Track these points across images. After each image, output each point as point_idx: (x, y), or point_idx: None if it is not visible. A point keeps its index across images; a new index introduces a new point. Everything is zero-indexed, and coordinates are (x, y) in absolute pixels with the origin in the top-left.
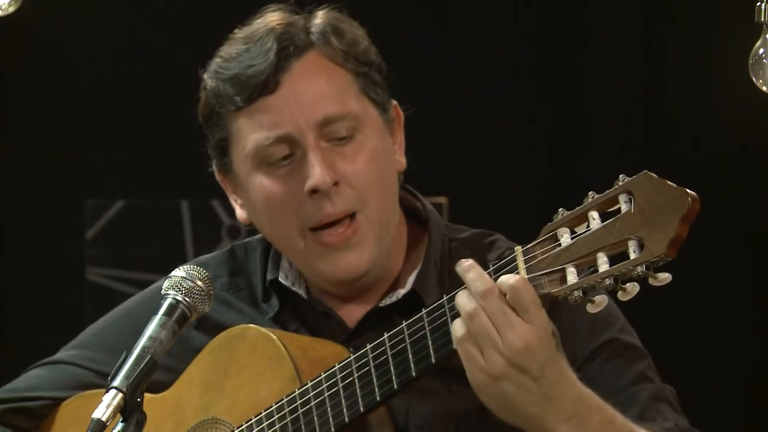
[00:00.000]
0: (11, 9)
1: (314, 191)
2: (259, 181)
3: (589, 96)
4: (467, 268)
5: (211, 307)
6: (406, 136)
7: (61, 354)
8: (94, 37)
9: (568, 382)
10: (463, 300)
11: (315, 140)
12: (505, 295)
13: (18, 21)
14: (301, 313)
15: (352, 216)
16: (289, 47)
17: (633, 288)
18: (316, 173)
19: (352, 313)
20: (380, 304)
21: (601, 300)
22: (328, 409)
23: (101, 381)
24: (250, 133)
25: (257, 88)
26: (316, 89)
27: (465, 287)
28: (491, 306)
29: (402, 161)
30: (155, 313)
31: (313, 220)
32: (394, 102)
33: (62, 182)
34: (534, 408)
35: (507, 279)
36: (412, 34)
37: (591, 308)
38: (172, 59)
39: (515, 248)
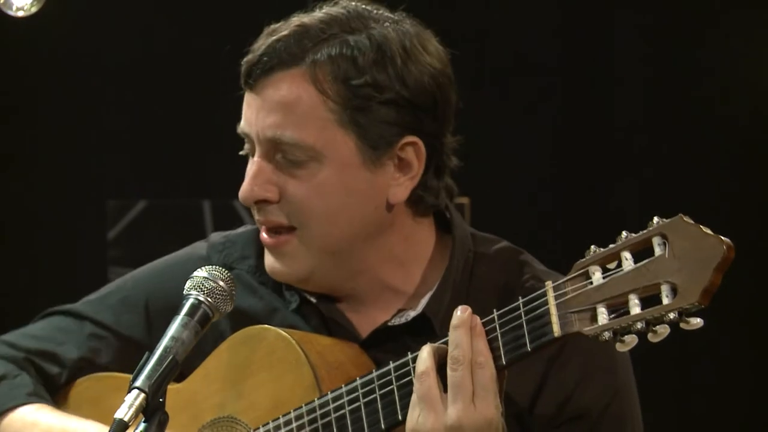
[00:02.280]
0: (33, 9)
1: (242, 201)
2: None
3: (611, 99)
4: (458, 324)
5: (237, 292)
6: None
7: (84, 307)
8: (118, 37)
9: None
10: (421, 357)
11: (264, 152)
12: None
13: (40, 20)
14: (319, 312)
15: (290, 228)
16: (271, 56)
17: (664, 330)
18: (243, 186)
19: (362, 324)
20: (389, 323)
21: (631, 339)
22: (349, 423)
23: (123, 346)
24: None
25: (244, 75)
26: (280, 106)
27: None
28: (458, 375)
29: (401, 194)
30: (183, 287)
31: (255, 216)
32: (412, 139)
33: (85, 183)
34: None
35: (481, 353)
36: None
37: (620, 347)
38: (196, 61)
39: (546, 283)
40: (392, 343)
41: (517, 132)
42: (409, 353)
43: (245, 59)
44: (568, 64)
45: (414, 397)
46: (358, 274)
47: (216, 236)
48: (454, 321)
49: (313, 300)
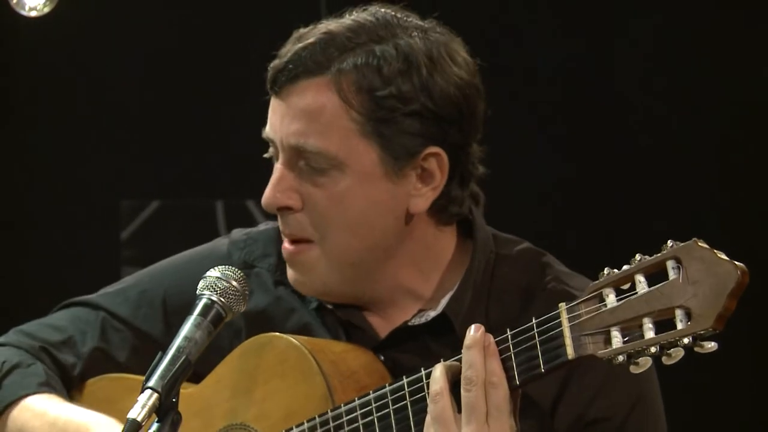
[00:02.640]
0: (46, 9)
1: (265, 207)
2: None
3: (620, 101)
4: (471, 344)
5: (256, 294)
6: None
7: (103, 299)
8: (133, 36)
9: None
10: (434, 376)
11: (288, 159)
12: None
13: (53, 21)
14: (337, 314)
15: (304, 241)
16: (300, 62)
17: (678, 353)
18: (266, 192)
19: (380, 325)
20: (409, 323)
21: (645, 362)
22: None
23: (139, 342)
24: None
25: (269, 82)
26: (303, 114)
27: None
28: (472, 396)
29: (422, 204)
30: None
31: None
32: (435, 150)
33: (98, 183)
34: None
35: (495, 374)
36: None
37: (634, 369)
38: (211, 61)
39: (559, 305)
40: (412, 343)
41: (528, 134)
42: (422, 369)
43: (272, 65)
44: (578, 66)
45: (428, 418)
46: (377, 282)
47: (237, 233)
48: (467, 341)
49: (329, 306)
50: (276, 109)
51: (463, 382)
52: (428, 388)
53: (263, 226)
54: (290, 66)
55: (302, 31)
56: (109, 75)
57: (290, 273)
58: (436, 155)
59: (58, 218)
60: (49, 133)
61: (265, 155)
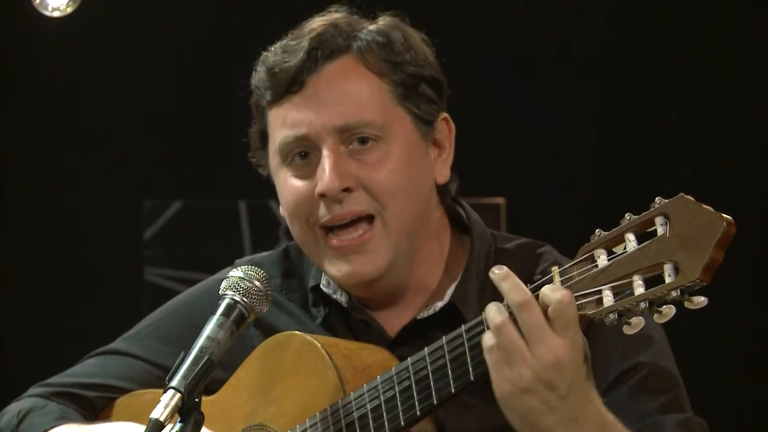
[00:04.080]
0: (69, 10)
1: (323, 195)
2: (283, 177)
3: (644, 98)
4: (502, 276)
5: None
6: (465, 138)
7: (118, 344)
8: (156, 35)
9: (595, 407)
10: (492, 312)
11: (333, 144)
12: (543, 308)
13: (79, 22)
14: (347, 319)
15: (369, 219)
16: (320, 49)
17: (669, 311)
18: (325, 178)
19: (391, 324)
20: (418, 317)
21: (638, 322)
22: (371, 421)
23: (158, 372)
24: (277, 129)
25: (285, 84)
26: (341, 94)
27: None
28: (527, 318)
29: (444, 173)
30: (213, 311)
31: (323, 220)
32: (444, 115)
33: (121, 182)
34: (557, 428)
35: (553, 292)
36: (469, 37)
37: (627, 330)
38: (234, 61)
39: (552, 268)
40: (422, 340)
41: (552, 132)
42: (426, 349)
43: (276, 71)
44: (602, 64)
45: (493, 358)
46: (411, 268)
47: (242, 261)
48: (496, 277)
49: (344, 304)
50: (303, 105)
51: (516, 308)
52: (432, 366)
53: (266, 253)
54: (312, 54)
55: (292, 33)
56: (134, 75)
57: (348, 268)
58: (446, 120)
59: (81, 218)
60: (74, 133)
61: (300, 157)
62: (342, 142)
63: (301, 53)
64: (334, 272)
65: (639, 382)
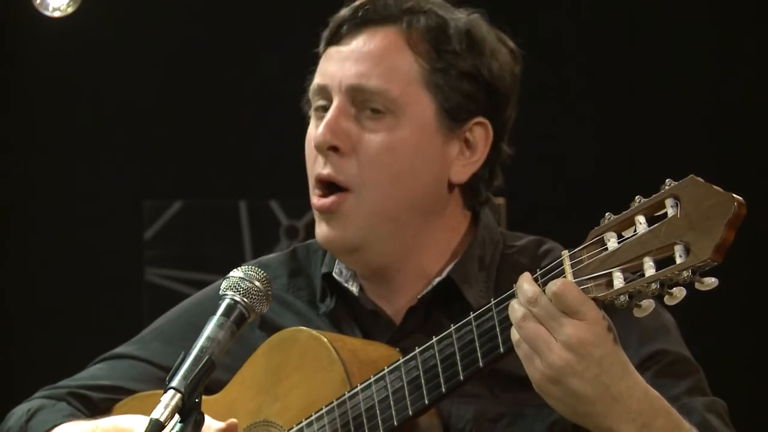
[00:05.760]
0: (70, 10)
1: (316, 147)
2: (310, 123)
3: (645, 93)
4: (522, 278)
5: (270, 308)
6: None
7: (123, 348)
8: (155, 36)
9: (633, 379)
10: (512, 308)
11: (342, 101)
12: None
13: (80, 22)
14: (354, 311)
15: (340, 187)
16: (368, 10)
17: (680, 292)
18: (320, 130)
19: (397, 312)
20: (418, 296)
21: (648, 304)
22: (378, 412)
23: (163, 373)
24: (315, 75)
25: (330, 35)
26: (367, 57)
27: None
28: (539, 311)
29: (463, 174)
30: (214, 312)
31: (312, 174)
32: (483, 120)
33: (121, 183)
34: (599, 406)
35: (550, 286)
36: None
37: (638, 312)
38: (233, 62)
39: (562, 252)
40: (429, 327)
41: (552, 131)
42: (434, 337)
43: (336, 16)
44: (601, 62)
45: (522, 351)
46: (406, 254)
47: (250, 263)
48: (520, 278)
49: (356, 294)
50: (334, 56)
51: (525, 305)
52: (440, 355)
53: (273, 254)
54: (360, 13)
55: None
56: (133, 75)
57: (322, 230)
58: (484, 126)
59: (81, 218)
60: (74, 133)
61: (319, 106)
62: (353, 103)
63: (351, 10)
64: (317, 232)
65: (664, 368)
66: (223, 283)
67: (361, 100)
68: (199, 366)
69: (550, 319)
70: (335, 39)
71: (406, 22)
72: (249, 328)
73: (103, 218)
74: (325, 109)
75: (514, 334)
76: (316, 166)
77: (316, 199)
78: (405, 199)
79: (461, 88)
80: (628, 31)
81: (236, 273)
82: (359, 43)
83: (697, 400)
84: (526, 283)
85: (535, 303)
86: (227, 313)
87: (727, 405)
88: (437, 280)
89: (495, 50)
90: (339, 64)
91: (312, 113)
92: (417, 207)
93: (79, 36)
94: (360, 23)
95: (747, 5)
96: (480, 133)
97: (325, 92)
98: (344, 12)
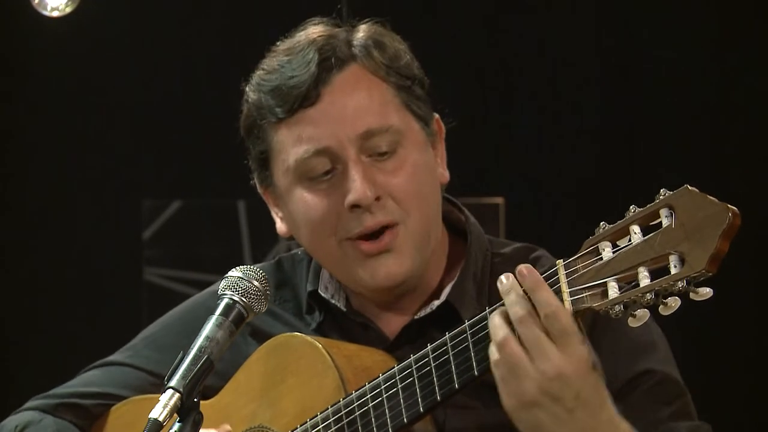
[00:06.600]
0: (68, 10)
1: (355, 206)
2: (299, 195)
3: (645, 95)
4: (508, 287)
5: (259, 317)
6: (465, 138)
7: (115, 356)
8: (154, 36)
9: (608, 417)
10: (495, 325)
11: (356, 154)
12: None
13: (79, 22)
14: (342, 325)
15: (391, 225)
16: (330, 59)
17: (674, 302)
18: (357, 188)
19: (390, 326)
20: (416, 317)
21: (643, 314)
22: (373, 419)
23: (154, 380)
24: (291, 147)
25: (298, 99)
26: (358, 102)
27: (502, 306)
28: (526, 332)
29: (445, 174)
30: (212, 313)
31: (352, 233)
32: (436, 115)
33: (120, 182)
34: None
35: (547, 304)
36: (469, 37)
37: (632, 322)
38: (232, 61)
39: (557, 262)
40: (421, 340)
41: (551, 133)
42: (428, 344)
43: (284, 88)
44: (603, 64)
45: (499, 372)
46: (424, 272)
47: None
48: (503, 287)
49: (344, 308)
50: (320, 118)
51: (515, 322)
52: (435, 362)
53: (258, 264)
54: (319, 71)
55: (282, 48)
56: (133, 75)
57: (388, 268)
58: (437, 121)
59: (79, 218)
60: (73, 132)
61: (320, 172)
62: (363, 151)
63: (311, 66)
64: (367, 278)
65: (650, 390)
66: (222, 282)
67: (369, 147)
68: (198, 365)
69: (534, 344)
70: (308, 102)
71: (360, 57)
72: (240, 336)
73: (102, 218)
74: (328, 173)
75: (494, 354)
76: (349, 226)
77: (369, 245)
78: (434, 215)
79: (419, 96)
80: (628, 31)
81: (235, 273)
82: (339, 94)
83: (682, 426)
84: (516, 302)
85: (524, 323)
86: (226, 312)
87: (718, 420)
88: (436, 303)
89: (404, 48)
90: (333, 122)
91: (299, 185)
92: (437, 219)
93: (78, 36)
94: (325, 77)
95: (747, 5)
96: (437, 129)
97: (328, 153)
98: (303, 75)
